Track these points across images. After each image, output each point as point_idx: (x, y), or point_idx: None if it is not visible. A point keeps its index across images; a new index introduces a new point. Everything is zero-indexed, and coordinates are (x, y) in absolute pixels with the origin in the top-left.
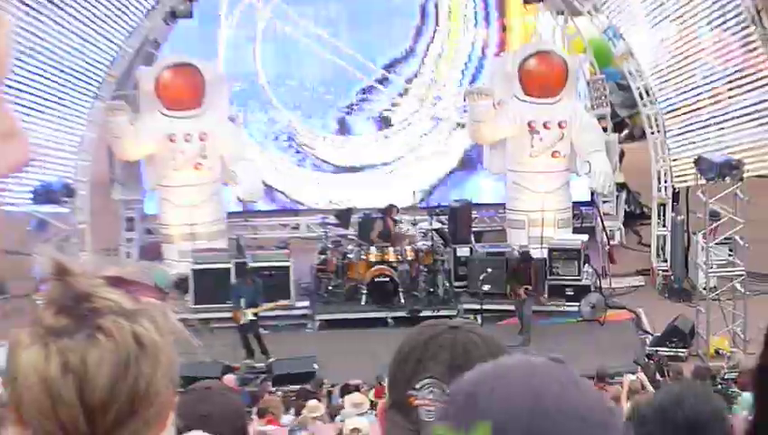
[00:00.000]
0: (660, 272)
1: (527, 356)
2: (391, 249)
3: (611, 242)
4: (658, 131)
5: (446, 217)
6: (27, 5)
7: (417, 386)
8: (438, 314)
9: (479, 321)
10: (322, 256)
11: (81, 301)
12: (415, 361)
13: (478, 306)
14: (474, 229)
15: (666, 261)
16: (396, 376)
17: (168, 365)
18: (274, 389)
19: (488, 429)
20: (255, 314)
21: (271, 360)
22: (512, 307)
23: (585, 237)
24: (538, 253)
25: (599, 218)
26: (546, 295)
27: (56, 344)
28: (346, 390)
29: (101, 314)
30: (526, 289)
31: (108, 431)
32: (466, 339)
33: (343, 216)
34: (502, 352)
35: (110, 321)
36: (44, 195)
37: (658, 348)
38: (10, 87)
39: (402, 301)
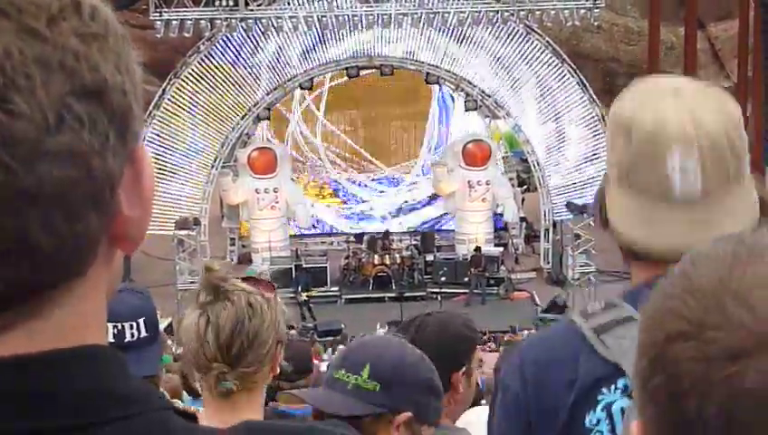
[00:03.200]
0: (545, 269)
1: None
2: (387, 256)
3: (517, 251)
4: (544, 186)
5: (420, 237)
6: (170, 111)
7: None
8: (414, 294)
9: (439, 299)
10: (346, 260)
11: (220, 286)
12: (401, 329)
13: (438, 290)
14: (436, 244)
15: (549, 263)
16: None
17: (272, 324)
18: (319, 339)
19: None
20: (308, 296)
21: (316, 322)
22: (458, 290)
23: (501, 249)
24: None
25: (509, 238)
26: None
27: (204, 310)
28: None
29: (232, 293)
30: (479, 270)
31: (233, 361)
32: (427, 321)
33: (358, 237)
34: (452, 330)
35: (235, 295)
36: (182, 224)
37: (545, 315)
38: (165, 165)
39: (393, 287)
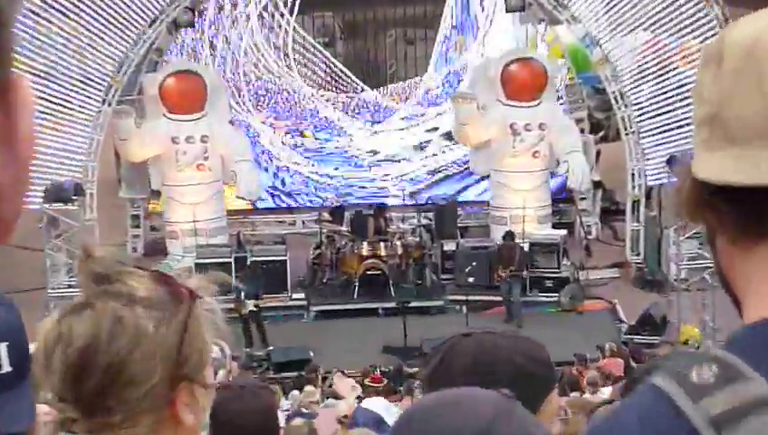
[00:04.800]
0: (634, 264)
1: (470, 391)
2: (382, 244)
3: (588, 237)
4: (632, 132)
5: (434, 213)
6: (35, 13)
7: (415, 385)
8: (425, 304)
9: (464, 311)
10: (317, 251)
11: (100, 282)
12: (425, 362)
13: (464, 297)
14: (459, 225)
15: (639, 254)
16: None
17: (157, 354)
18: (275, 375)
19: None
20: (257, 307)
21: (269, 348)
22: (495, 298)
23: (564, 232)
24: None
25: (576, 215)
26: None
27: (63, 317)
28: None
29: (110, 295)
30: (511, 271)
31: (91, 402)
32: (463, 348)
33: (336, 213)
34: (490, 364)
35: (102, 300)
36: (55, 194)
37: (633, 336)
38: None
39: (392, 293)
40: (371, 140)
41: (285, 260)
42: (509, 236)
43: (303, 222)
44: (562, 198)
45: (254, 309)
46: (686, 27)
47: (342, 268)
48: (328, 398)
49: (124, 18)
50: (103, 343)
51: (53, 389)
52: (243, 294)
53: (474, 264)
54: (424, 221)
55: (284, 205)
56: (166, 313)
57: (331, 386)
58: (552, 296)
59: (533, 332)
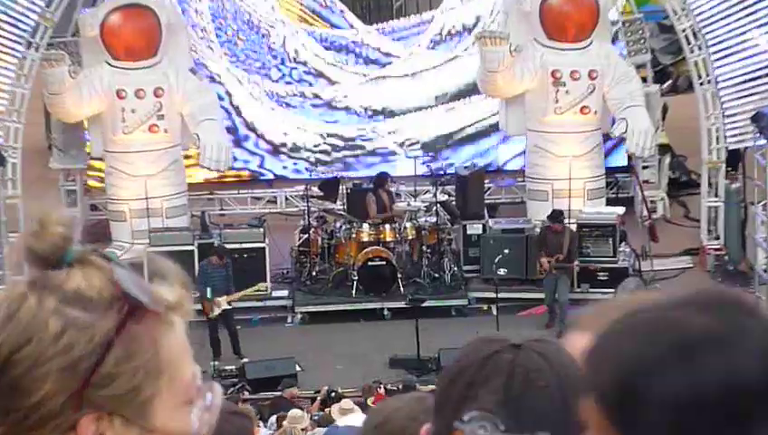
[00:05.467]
0: (712, 251)
1: None
2: (388, 227)
3: (653, 216)
4: (708, 81)
5: (454, 187)
6: None
7: (465, 418)
8: (442, 303)
9: (495, 312)
10: (305, 236)
11: (42, 266)
12: (465, 384)
13: (493, 295)
14: (487, 202)
15: (718, 238)
16: (441, 400)
17: (55, 361)
18: (250, 396)
19: None
20: (229, 303)
21: (244, 361)
22: (533, 295)
23: (621, 211)
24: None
25: (638, 188)
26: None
27: None
28: (336, 398)
29: (39, 283)
30: (557, 260)
31: None
32: (529, 362)
33: (329, 187)
34: (572, 379)
35: (22, 283)
36: None
37: None
38: None
39: (401, 289)
40: (369, 89)
41: (264, 248)
42: (556, 216)
43: (287, 198)
44: (620, 166)
45: (228, 307)
46: None
47: (337, 258)
48: (319, 425)
49: None
50: None
51: None
52: (208, 290)
53: (506, 251)
54: (442, 196)
55: (262, 176)
56: (91, 316)
57: (323, 410)
58: (606, 292)
59: None
